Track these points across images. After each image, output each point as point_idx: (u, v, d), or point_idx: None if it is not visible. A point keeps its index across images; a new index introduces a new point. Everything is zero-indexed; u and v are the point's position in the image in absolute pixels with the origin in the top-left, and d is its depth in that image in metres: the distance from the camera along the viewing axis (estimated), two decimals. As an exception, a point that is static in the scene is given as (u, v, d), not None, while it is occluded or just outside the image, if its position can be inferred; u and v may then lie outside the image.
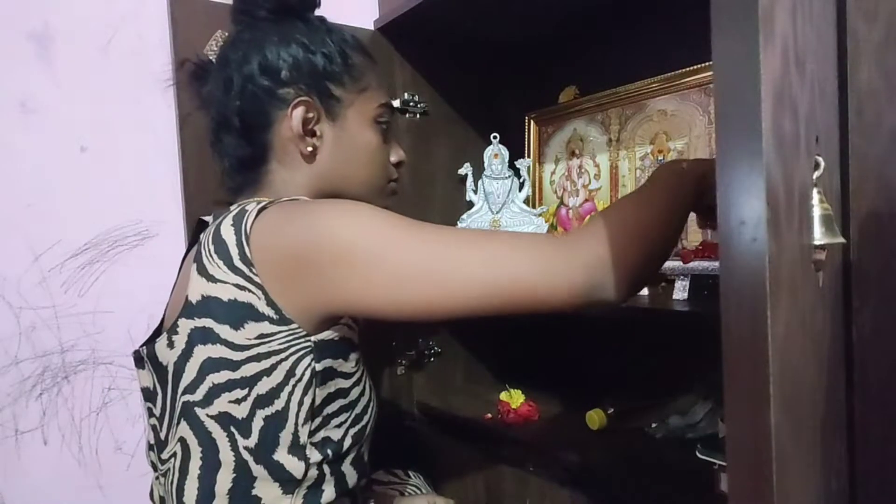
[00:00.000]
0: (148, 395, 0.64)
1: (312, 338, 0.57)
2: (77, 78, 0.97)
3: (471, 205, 1.20)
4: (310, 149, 0.66)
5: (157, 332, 0.66)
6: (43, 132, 0.95)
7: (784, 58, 0.34)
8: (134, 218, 1.02)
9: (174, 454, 0.59)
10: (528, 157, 1.21)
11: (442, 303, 0.53)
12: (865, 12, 0.43)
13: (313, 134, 0.66)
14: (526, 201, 1.18)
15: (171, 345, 0.58)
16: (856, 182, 0.44)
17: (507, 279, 0.52)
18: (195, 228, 0.70)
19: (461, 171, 1.20)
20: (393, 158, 0.74)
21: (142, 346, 0.63)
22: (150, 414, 0.64)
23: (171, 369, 0.59)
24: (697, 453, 0.75)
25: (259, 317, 0.55)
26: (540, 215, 1.16)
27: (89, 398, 1.00)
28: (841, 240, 0.39)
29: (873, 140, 0.43)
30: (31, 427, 0.96)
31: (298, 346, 0.56)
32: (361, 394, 0.64)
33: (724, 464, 0.61)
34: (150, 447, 0.65)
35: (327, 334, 0.58)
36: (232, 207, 0.61)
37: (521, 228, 1.14)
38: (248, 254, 0.54)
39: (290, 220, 0.55)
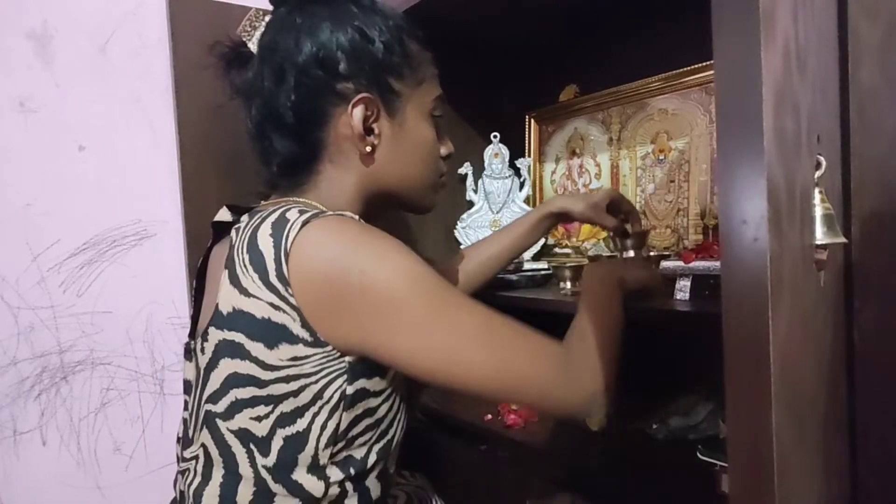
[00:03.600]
0: (187, 388, 0.63)
1: (347, 358, 0.55)
2: (76, 77, 0.97)
3: (471, 204, 1.19)
4: (369, 148, 0.62)
5: (193, 327, 0.66)
6: (42, 132, 0.95)
7: (785, 57, 0.34)
8: (133, 218, 1.02)
9: (197, 457, 0.59)
10: (529, 156, 1.20)
11: (451, 383, 0.55)
12: (867, 11, 0.43)
13: (371, 132, 0.62)
14: (526, 201, 1.17)
15: (202, 350, 0.57)
16: (857, 181, 0.43)
17: (517, 386, 0.56)
18: (215, 226, 0.67)
19: (461, 171, 1.20)
20: (443, 152, 0.71)
21: (191, 340, 0.62)
22: (185, 407, 0.63)
23: (200, 373, 0.58)
24: (698, 454, 0.75)
25: (293, 339, 0.53)
26: (540, 215, 1.15)
27: (88, 399, 1.00)
28: (842, 239, 0.39)
29: (875, 139, 0.43)
30: (30, 428, 0.96)
31: (332, 368, 0.54)
32: (390, 408, 0.61)
33: (725, 465, 0.61)
34: (178, 440, 0.65)
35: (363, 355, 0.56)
36: (270, 209, 0.57)
37: (521, 228, 1.14)
38: (286, 272, 0.52)
39: (338, 247, 0.53)
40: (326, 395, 0.55)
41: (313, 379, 0.54)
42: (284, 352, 0.53)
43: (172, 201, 1.03)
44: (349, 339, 0.54)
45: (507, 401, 0.60)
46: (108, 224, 1.00)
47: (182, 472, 0.62)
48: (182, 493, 0.62)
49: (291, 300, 0.52)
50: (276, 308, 0.53)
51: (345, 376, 0.55)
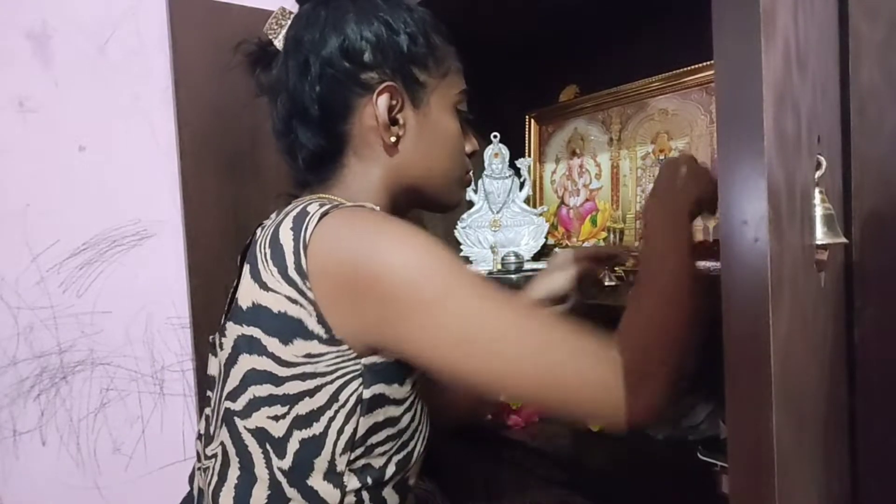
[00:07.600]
0: (211, 384, 0.62)
1: (363, 360, 0.53)
2: (75, 77, 0.97)
3: (471, 204, 1.19)
4: (394, 139, 0.61)
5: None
6: (41, 131, 0.95)
7: (786, 57, 0.34)
8: (132, 217, 1.02)
9: (215, 455, 0.59)
10: (529, 156, 1.20)
11: (490, 384, 0.52)
12: (867, 12, 0.43)
13: (396, 122, 0.62)
14: (526, 201, 1.17)
15: (221, 345, 0.57)
16: (857, 181, 0.43)
17: (562, 393, 0.51)
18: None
19: (461, 171, 1.20)
20: (468, 148, 0.70)
21: (217, 334, 0.61)
22: (208, 403, 0.63)
23: (221, 370, 0.58)
24: (699, 455, 0.75)
25: (308, 335, 0.52)
26: (540, 215, 1.15)
27: (87, 399, 1.00)
28: (843, 240, 0.39)
29: (875, 139, 0.43)
30: (30, 428, 0.96)
31: (346, 370, 0.53)
32: (412, 419, 0.59)
33: (725, 465, 0.61)
34: (199, 436, 0.65)
35: (380, 357, 0.55)
36: (292, 206, 0.58)
37: (522, 228, 1.14)
38: (304, 265, 0.51)
39: (353, 236, 0.52)
40: (342, 397, 0.53)
41: (328, 379, 0.53)
42: (299, 347, 0.52)
43: (172, 201, 1.03)
44: (365, 332, 0.52)
45: (540, 407, 0.52)
46: (108, 224, 1.00)
47: (203, 470, 0.62)
48: (201, 490, 0.62)
49: (309, 294, 0.52)
50: (293, 302, 0.52)
51: (360, 379, 0.54)
